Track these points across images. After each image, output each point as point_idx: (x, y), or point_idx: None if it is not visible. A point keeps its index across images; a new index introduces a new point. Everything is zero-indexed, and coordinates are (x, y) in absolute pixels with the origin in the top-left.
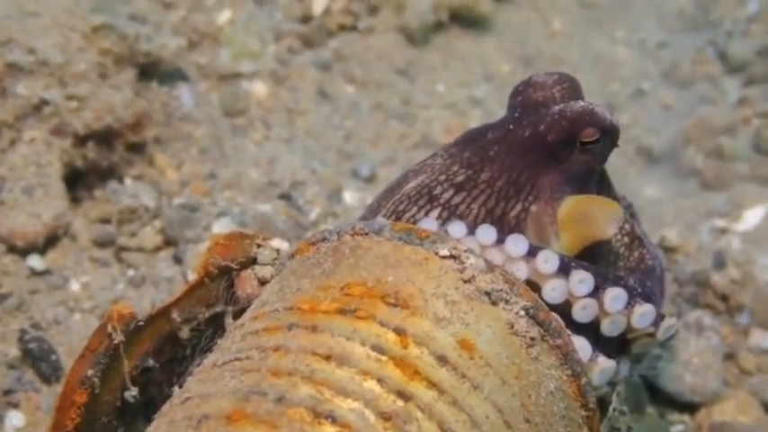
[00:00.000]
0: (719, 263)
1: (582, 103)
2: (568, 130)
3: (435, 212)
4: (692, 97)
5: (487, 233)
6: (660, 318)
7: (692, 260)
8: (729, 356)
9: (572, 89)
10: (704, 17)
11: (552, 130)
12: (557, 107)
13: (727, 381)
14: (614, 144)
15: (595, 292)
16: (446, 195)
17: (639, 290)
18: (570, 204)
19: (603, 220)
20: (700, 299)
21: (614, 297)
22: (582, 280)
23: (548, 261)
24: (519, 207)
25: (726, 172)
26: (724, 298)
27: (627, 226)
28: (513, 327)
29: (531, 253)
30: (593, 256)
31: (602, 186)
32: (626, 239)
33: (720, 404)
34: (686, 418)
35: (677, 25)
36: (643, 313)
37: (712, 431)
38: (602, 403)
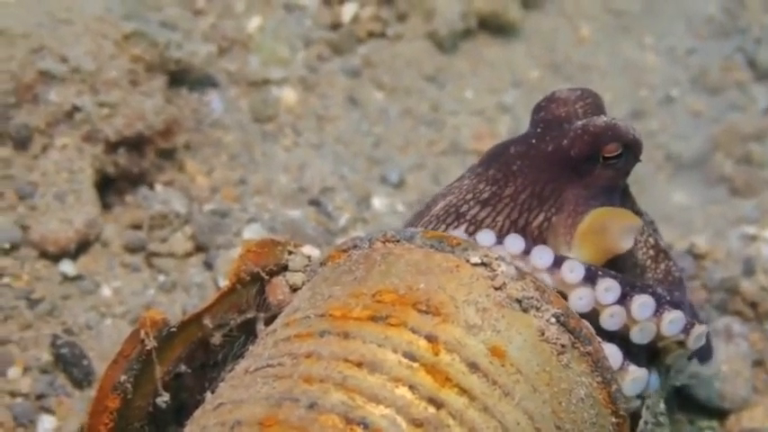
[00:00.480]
0: (749, 270)
1: (605, 119)
2: (591, 144)
3: (462, 228)
4: (721, 104)
5: (515, 242)
6: (690, 325)
7: (722, 267)
8: (758, 363)
9: (594, 104)
10: (733, 24)
11: (575, 146)
12: (580, 122)
13: (756, 387)
14: (637, 159)
15: (622, 300)
16: (472, 212)
17: (668, 297)
18: (590, 217)
19: (620, 231)
20: (729, 305)
21: (642, 304)
22: (608, 288)
23: (573, 270)
24: (541, 217)
25: (755, 178)
26: (753, 305)
27: (651, 239)
28: (543, 334)
29: (557, 263)
30: (620, 269)
31: (625, 200)
32: (651, 252)
33: (749, 410)
34: (715, 424)
35: (706, 32)
36: (672, 320)
37: None
38: (634, 417)
